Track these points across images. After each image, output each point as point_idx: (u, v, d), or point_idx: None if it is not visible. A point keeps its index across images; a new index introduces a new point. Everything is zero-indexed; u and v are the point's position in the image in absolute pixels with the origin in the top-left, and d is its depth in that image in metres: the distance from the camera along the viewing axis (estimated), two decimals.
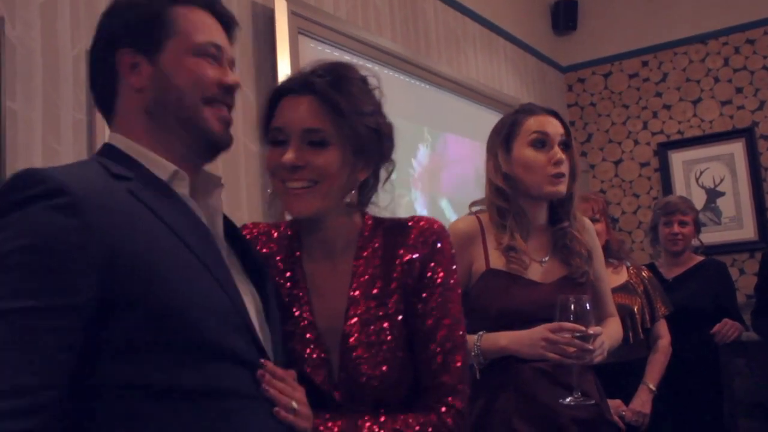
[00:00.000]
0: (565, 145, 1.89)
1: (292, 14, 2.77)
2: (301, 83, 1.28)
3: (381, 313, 1.29)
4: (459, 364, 1.31)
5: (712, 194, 4.84)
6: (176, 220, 1.07)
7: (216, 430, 1.00)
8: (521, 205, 1.89)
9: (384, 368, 1.26)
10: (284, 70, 2.73)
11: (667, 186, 4.89)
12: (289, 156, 1.24)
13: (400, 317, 1.29)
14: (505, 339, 1.78)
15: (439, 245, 1.32)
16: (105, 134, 2.08)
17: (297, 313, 1.31)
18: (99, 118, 2.13)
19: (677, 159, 4.95)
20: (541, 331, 1.71)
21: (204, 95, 1.13)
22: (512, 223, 1.86)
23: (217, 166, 2.52)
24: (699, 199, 4.68)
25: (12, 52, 1.95)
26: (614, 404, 2.54)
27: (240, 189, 2.60)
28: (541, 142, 1.87)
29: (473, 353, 1.78)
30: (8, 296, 0.90)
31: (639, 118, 5.10)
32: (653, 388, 2.82)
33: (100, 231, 0.96)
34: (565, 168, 1.86)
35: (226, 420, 1.01)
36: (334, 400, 1.27)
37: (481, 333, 1.81)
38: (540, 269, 1.87)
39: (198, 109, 1.13)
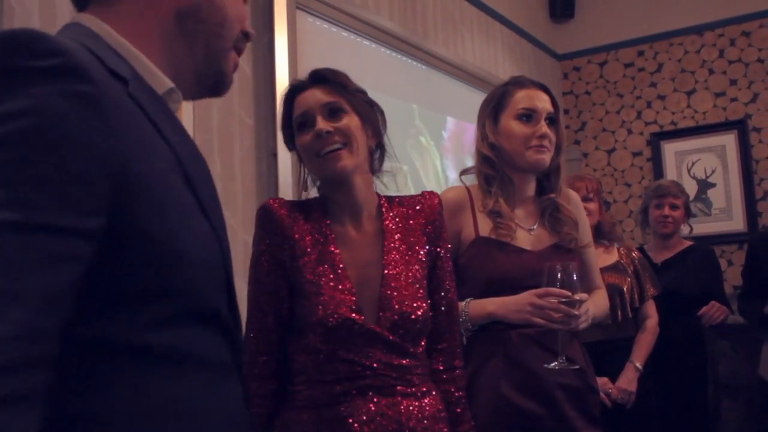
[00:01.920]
0: (552, 120, 1.92)
1: None
2: (310, 79, 1.56)
3: (413, 259, 1.54)
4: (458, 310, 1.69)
5: (703, 185, 4.88)
6: (178, 143, 0.91)
7: (191, 399, 0.86)
8: (508, 175, 1.92)
9: (421, 303, 1.50)
10: (281, 45, 2.73)
11: (659, 176, 4.90)
12: (320, 125, 1.49)
13: (426, 264, 1.56)
14: (492, 305, 1.81)
15: (442, 216, 1.64)
16: None
17: (331, 267, 1.48)
18: None
19: (670, 149, 4.99)
20: (527, 296, 1.75)
21: (235, 34, 1.02)
22: (498, 190, 1.90)
23: (212, 138, 2.53)
24: (690, 190, 4.67)
25: (11, 14, 1.95)
26: (601, 382, 2.57)
27: (234, 161, 2.61)
28: (528, 116, 1.91)
29: (461, 319, 1.80)
30: (15, 204, 0.69)
31: (633, 108, 5.13)
32: (640, 367, 2.86)
33: (118, 137, 0.78)
34: (549, 142, 1.89)
35: (202, 388, 0.87)
36: (377, 335, 1.45)
37: (468, 299, 1.84)
38: (529, 237, 1.91)
39: (229, 46, 1.02)
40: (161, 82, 0.94)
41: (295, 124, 1.54)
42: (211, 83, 1.03)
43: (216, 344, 0.91)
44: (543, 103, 1.92)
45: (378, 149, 1.60)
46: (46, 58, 0.74)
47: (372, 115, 1.56)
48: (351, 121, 1.50)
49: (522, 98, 1.92)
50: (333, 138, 1.48)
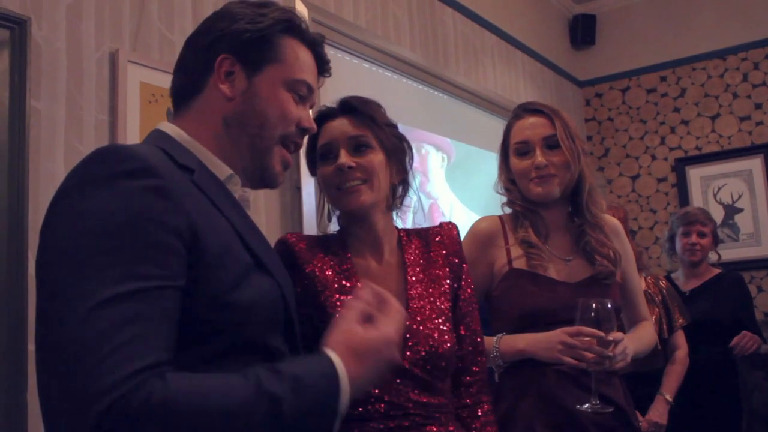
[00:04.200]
0: (553, 144, 1.83)
1: (313, 21, 2.79)
2: (339, 108, 1.51)
3: (436, 291, 1.49)
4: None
5: (730, 210, 4.82)
6: (235, 216, 1.10)
7: None
8: (533, 208, 1.87)
9: (448, 336, 1.45)
10: None
11: (684, 202, 4.87)
12: (342, 159, 1.45)
13: (450, 296, 1.51)
14: (523, 341, 1.73)
15: (461, 247, 1.59)
16: (126, 135, 2.13)
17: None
18: (121, 119, 2.16)
19: (695, 174, 4.94)
20: (558, 334, 1.66)
21: (282, 132, 1.18)
22: (526, 223, 1.85)
23: None
24: (717, 216, 4.64)
25: (38, 52, 1.97)
26: None
27: (258, 194, 2.61)
28: (524, 150, 1.85)
29: (492, 355, 1.74)
30: (125, 277, 0.91)
31: (657, 134, 5.09)
32: (670, 399, 2.81)
33: (187, 215, 0.99)
34: (550, 169, 1.81)
35: None
36: (406, 372, 1.39)
37: (500, 335, 1.77)
38: (565, 269, 1.82)
39: (272, 144, 1.18)
40: (222, 170, 1.15)
41: (319, 153, 1.51)
42: (258, 178, 1.21)
43: None
44: (536, 129, 1.84)
45: (401, 185, 1.55)
46: (127, 163, 0.97)
47: (399, 152, 1.51)
48: (375, 157, 1.46)
49: (515, 132, 1.88)
50: (354, 174, 1.44)
